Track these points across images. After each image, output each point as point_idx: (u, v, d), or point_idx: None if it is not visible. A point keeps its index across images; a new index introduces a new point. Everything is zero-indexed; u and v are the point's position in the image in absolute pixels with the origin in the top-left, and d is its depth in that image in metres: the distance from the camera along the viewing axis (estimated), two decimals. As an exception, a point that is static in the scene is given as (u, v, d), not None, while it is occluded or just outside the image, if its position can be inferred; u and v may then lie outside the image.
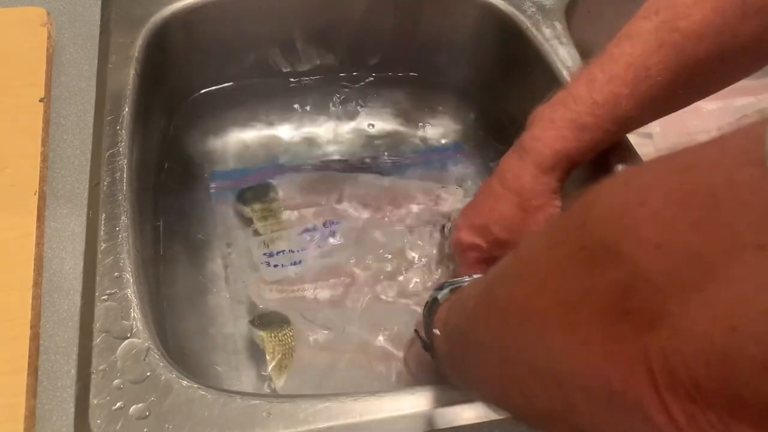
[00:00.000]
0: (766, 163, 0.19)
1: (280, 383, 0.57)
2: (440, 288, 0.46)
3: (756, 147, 0.19)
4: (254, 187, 0.70)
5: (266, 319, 0.60)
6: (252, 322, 0.60)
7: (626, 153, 0.59)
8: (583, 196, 0.26)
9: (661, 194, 0.22)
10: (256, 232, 0.67)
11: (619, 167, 0.58)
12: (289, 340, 0.59)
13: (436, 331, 0.42)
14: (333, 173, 0.73)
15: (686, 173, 0.22)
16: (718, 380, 0.20)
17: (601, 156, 0.59)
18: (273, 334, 0.59)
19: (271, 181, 0.70)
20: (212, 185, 0.71)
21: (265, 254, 0.65)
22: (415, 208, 0.70)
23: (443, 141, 0.77)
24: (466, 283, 0.45)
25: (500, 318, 0.31)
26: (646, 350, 0.22)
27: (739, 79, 0.52)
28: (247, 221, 0.68)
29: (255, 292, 0.63)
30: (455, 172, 0.75)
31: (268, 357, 0.58)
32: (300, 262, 0.65)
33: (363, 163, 0.75)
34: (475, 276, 0.46)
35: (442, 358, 0.43)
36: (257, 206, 0.68)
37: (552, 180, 0.54)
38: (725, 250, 0.20)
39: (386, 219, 0.69)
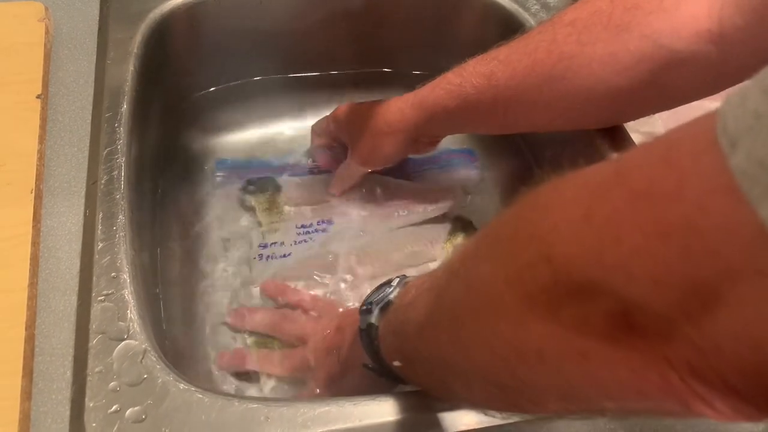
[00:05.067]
0: (742, 192, 0.19)
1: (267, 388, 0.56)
2: (368, 311, 0.45)
3: (715, 172, 0.19)
4: (259, 180, 0.69)
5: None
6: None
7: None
8: (531, 220, 0.27)
9: (635, 229, 0.22)
10: (259, 223, 0.67)
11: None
12: (276, 347, 0.58)
13: (397, 363, 0.42)
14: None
15: (652, 202, 0.22)
16: (756, 385, 0.21)
17: (606, 155, 0.59)
18: (261, 342, 0.58)
19: (275, 177, 0.70)
20: (218, 173, 0.70)
21: (260, 245, 0.65)
22: (416, 209, 0.69)
23: (452, 146, 0.76)
24: (392, 295, 0.44)
25: (486, 351, 0.31)
26: (670, 361, 0.23)
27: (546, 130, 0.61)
28: (250, 210, 0.67)
29: (245, 297, 0.61)
30: (461, 175, 0.74)
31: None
32: (290, 254, 0.64)
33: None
34: (394, 283, 0.45)
35: (419, 385, 0.43)
36: (261, 197, 0.68)
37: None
38: (724, 276, 0.20)
39: (386, 219, 0.68)
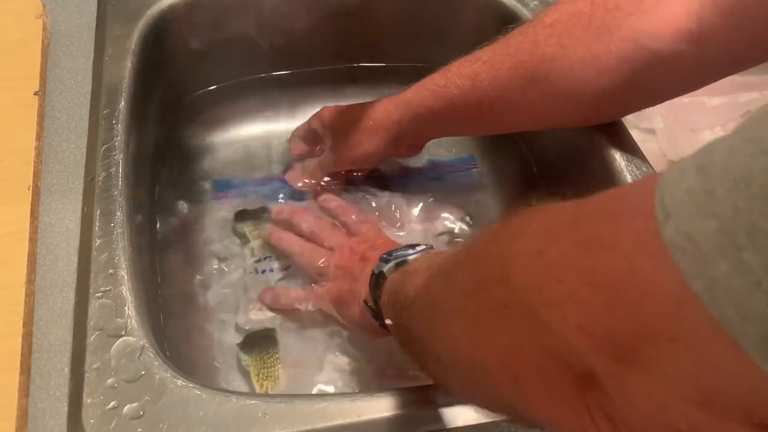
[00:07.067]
0: (672, 261, 0.19)
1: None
2: (386, 261, 0.47)
3: (649, 236, 0.20)
4: (251, 210, 0.67)
5: (253, 340, 0.58)
6: (239, 345, 0.58)
7: (629, 149, 0.58)
8: (501, 242, 0.29)
9: (575, 273, 0.23)
10: (252, 250, 0.65)
11: (623, 163, 0.57)
12: (275, 362, 0.56)
13: (389, 322, 0.44)
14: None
15: (592, 252, 0.23)
16: None
17: (605, 152, 0.58)
18: (258, 358, 0.56)
19: (268, 205, 0.67)
20: (213, 196, 0.69)
21: (256, 261, 0.63)
22: (412, 227, 0.67)
23: (452, 150, 0.75)
24: (411, 257, 0.47)
25: (448, 349, 0.34)
26: (589, 408, 0.25)
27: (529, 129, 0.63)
28: (243, 239, 0.66)
29: (242, 315, 0.60)
30: (462, 187, 0.72)
31: (255, 384, 0.56)
32: (288, 267, 0.63)
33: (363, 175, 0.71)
34: (419, 248, 0.48)
35: (401, 348, 0.45)
36: (252, 225, 0.66)
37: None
38: (641, 335, 0.21)
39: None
